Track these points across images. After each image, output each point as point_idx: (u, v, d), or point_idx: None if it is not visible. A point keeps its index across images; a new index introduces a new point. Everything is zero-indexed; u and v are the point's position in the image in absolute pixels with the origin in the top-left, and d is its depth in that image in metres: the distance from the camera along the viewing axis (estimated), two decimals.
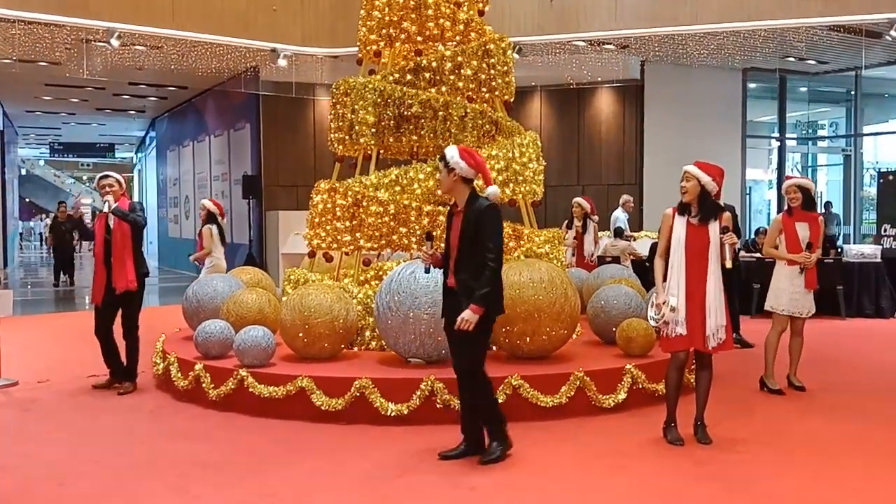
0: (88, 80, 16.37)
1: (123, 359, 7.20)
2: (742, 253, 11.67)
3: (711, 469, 4.89)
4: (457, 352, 5.01)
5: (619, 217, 13.03)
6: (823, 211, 19.30)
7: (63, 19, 12.53)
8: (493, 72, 7.95)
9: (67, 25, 12.79)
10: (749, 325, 9.38)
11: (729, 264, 5.21)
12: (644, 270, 10.56)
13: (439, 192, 5.27)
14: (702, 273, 5.23)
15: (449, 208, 5.33)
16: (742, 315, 9.64)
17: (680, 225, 5.32)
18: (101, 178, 7.12)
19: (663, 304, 5.22)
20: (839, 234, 18.15)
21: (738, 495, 4.45)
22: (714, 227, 5.26)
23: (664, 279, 5.34)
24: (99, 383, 7.27)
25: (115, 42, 13.06)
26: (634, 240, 12.34)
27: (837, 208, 19.57)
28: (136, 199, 39.96)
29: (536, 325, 6.39)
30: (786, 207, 6.99)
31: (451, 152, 5.09)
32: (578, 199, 11.06)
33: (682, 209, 5.34)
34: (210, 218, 9.55)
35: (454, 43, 8.20)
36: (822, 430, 5.76)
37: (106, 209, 6.87)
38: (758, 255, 11.11)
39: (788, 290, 6.80)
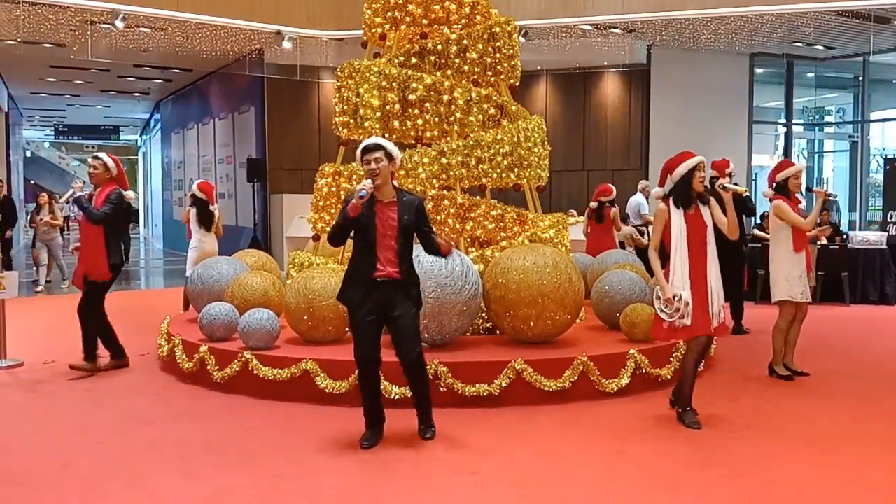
0: (93, 62, 16.32)
1: (119, 338, 7.31)
2: (756, 232, 11.65)
3: (712, 455, 4.90)
4: (409, 344, 5.02)
5: (641, 202, 12.95)
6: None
7: (68, 1, 12.49)
8: (498, 55, 7.91)
9: (72, 7, 12.74)
10: (751, 311, 9.34)
11: (727, 194, 5.40)
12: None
13: (374, 182, 4.85)
14: (703, 260, 5.32)
15: (360, 198, 4.78)
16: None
17: (678, 217, 5.34)
18: (92, 157, 7.06)
19: (674, 298, 5.24)
20: (840, 221, 18.05)
21: (739, 481, 4.46)
22: (707, 212, 5.40)
23: (665, 275, 5.34)
24: (104, 366, 7.29)
25: (119, 24, 13.02)
26: (648, 224, 12.29)
27: (844, 195, 19.46)
28: (139, 181, 39.14)
29: (540, 310, 6.40)
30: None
31: (389, 144, 4.99)
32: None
33: (679, 201, 5.35)
34: (193, 200, 9.45)
35: (460, 26, 8.15)
36: (824, 418, 5.76)
37: (67, 195, 6.81)
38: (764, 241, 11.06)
39: (803, 278, 6.74)
